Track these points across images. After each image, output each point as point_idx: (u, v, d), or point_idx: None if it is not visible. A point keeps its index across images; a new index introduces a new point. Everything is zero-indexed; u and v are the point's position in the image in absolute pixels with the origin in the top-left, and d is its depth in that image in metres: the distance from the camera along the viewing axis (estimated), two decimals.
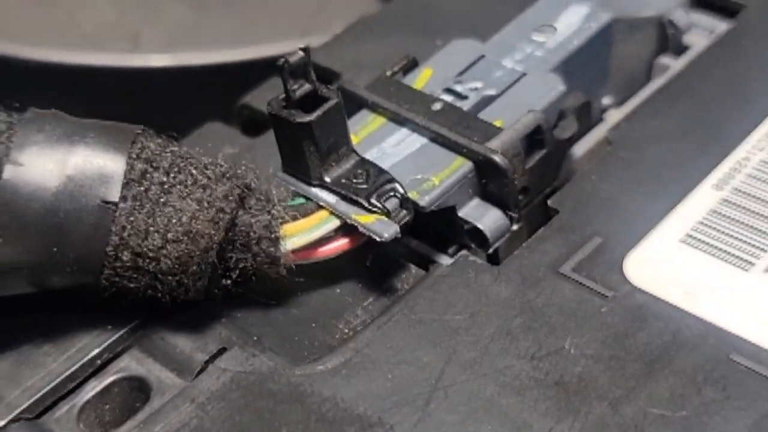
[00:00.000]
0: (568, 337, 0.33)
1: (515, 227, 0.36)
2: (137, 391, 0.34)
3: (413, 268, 0.36)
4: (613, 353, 0.32)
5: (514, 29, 0.40)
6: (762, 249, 0.34)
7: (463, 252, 0.36)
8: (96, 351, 0.34)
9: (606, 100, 0.41)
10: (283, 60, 0.34)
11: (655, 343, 0.32)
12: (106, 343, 0.34)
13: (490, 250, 0.36)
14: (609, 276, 0.34)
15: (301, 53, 0.34)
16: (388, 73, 0.39)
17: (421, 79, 0.38)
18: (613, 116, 0.40)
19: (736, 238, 0.35)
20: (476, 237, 0.36)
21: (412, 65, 0.39)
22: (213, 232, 0.33)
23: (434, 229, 0.37)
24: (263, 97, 0.39)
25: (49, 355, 0.34)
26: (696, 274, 0.34)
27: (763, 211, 0.35)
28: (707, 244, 0.35)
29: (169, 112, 0.44)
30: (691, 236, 0.35)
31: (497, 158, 0.35)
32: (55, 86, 0.50)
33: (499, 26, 0.41)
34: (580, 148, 0.39)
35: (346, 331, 0.35)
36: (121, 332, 0.35)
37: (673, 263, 0.34)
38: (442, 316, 0.34)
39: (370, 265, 0.36)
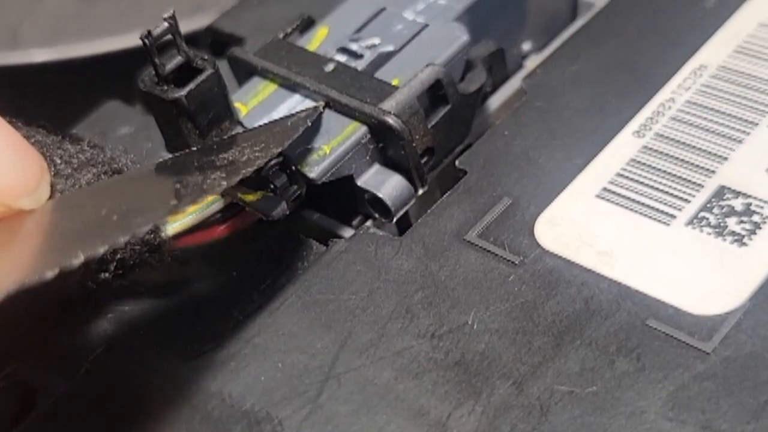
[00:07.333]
0: (472, 311, 0.30)
1: (421, 192, 0.34)
2: (24, 396, 0.32)
3: (314, 245, 0.33)
4: (520, 326, 0.29)
5: None
6: (685, 200, 0.31)
7: (365, 224, 0.33)
8: None
9: (526, 46, 0.38)
10: (145, 33, 0.31)
11: (565, 312, 0.29)
12: None
13: (394, 220, 0.33)
14: (518, 240, 0.31)
15: (166, 24, 0.31)
16: (281, 36, 0.36)
17: (316, 40, 0.35)
18: (533, 63, 0.37)
19: (657, 188, 0.31)
20: (378, 206, 0.33)
21: (308, 25, 0.36)
22: None
23: (336, 201, 0.34)
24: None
25: None
26: (612, 232, 0.31)
27: (688, 157, 0.32)
28: (625, 197, 0.31)
29: (57, 105, 0.41)
30: (608, 190, 0.32)
31: (390, 120, 0.32)
32: None
33: None
34: (496, 100, 0.36)
35: (241, 318, 0.32)
36: None
37: (588, 221, 0.31)
38: (338, 296, 0.31)
39: None
